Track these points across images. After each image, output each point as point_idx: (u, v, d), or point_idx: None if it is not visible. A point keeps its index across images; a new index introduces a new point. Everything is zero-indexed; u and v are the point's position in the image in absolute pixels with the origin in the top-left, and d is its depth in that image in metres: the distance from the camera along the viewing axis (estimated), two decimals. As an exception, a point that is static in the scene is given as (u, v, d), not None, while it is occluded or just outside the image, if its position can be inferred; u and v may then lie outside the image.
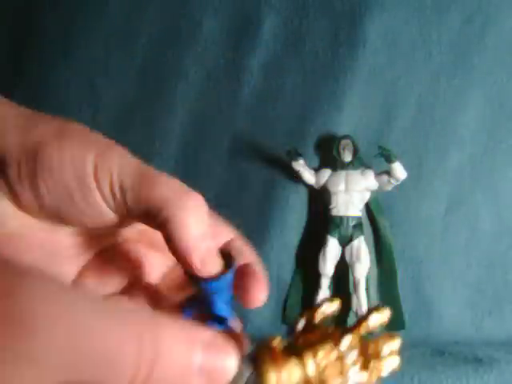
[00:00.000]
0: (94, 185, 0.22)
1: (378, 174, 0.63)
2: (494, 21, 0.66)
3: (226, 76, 0.68)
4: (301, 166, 0.64)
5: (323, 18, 0.67)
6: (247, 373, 0.20)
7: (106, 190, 0.22)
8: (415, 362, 0.55)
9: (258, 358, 0.20)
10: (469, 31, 0.66)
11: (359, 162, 0.65)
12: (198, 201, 0.23)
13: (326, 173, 0.65)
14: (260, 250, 0.73)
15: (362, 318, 0.22)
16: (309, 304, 0.64)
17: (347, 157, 0.64)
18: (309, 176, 0.65)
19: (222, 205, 0.68)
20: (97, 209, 0.23)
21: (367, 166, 0.65)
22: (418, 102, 0.67)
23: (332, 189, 0.64)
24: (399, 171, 0.61)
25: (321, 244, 0.64)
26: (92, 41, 0.68)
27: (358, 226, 0.64)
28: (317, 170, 0.66)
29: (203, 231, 0.23)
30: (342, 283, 0.65)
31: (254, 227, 0.67)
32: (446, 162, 0.66)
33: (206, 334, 0.19)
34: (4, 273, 0.15)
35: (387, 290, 0.65)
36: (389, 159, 0.61)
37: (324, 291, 0.64)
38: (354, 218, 0.64)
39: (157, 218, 0.22)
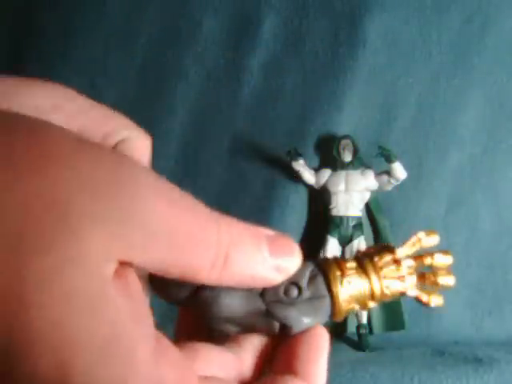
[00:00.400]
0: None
1: (377, 174, 0.63)
2: (493, 21, 0.66)
3: (226, 76, 0.68)
4: (301, 166, 0.64)
5: (323, 18, 0.67)
6: (308, 271, 0.20)
7: None
8: (415, 362, 0.55)
9: (322, 262, 0.21)
10: (469, 31, 0.66)
11: (359, 162, 0.65)
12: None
13: (326, 173, 0.65)
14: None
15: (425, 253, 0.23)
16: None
17: (347, 157, 0.64)
18: (309, 176, 0.65)
19: (222, 205, 0.68)
20: None
21: (367, 166, 0.65)
22: (418, 101, 0.67)
23: (332, 189, 0.64)
24: (399, 171, 0.61)
25: (321, 244, 0.64)
26: (92, 41, 0.68)
27: (358, 225, 0.64)
28: (317, 170, 0.66)
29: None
30: (342, 283, 0.65)
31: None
32: (446, 162, 0.66)
33: (269, 231, 0.20)
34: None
35: (387, 290, 0.65)
36: (389, 159, 0.61)
37: (324, 291, 0.63)
38: (353, 217, 0.64)
39: None
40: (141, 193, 0.16)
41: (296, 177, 0.65)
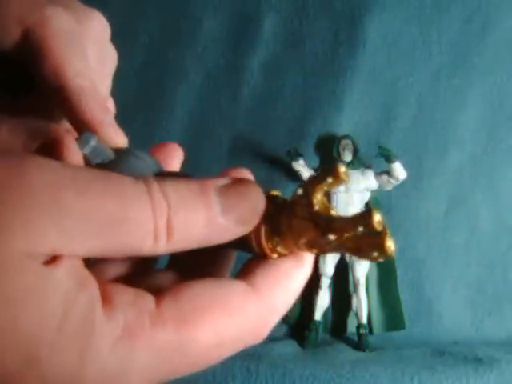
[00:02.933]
0: None
1: (378, 174, 0.63)
2: (494, 21, 0.66)
3: (226, 76, 0.68)
4: (301, 166, 0.64)
5: (323, 18, 0.67)
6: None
7: None
8: (415, 362, 0.55)
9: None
10: (469, 31, 0.66)
11: (359, 162, 0.65)
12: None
13: (326, 173, 0.65)
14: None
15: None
16: (309, 304, 0.64)
17: (347, 157, 0.64)
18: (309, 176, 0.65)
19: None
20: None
21: (367, 166, 0.65)
22: (418, 101, 0.67)
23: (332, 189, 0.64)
24: (399, 171, 0.61)
25: (321, 244, 0.64)
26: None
27: (358, 225, 0.64)
28: (317, 170, 0.66)
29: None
30: (342, 283, 0.65)
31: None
32: (446, 162, 0.66)
33: (222, 179, 0.18)
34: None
35: (387, 290, 0.65)
36: (389, 159, 0.61)
37: (324, 291, 0.64)
38: (353, 217, 0.64)
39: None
40: (41, 193, 0.15)
41: (296, 177, 0.65)
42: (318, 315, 0.63)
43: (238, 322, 0.18)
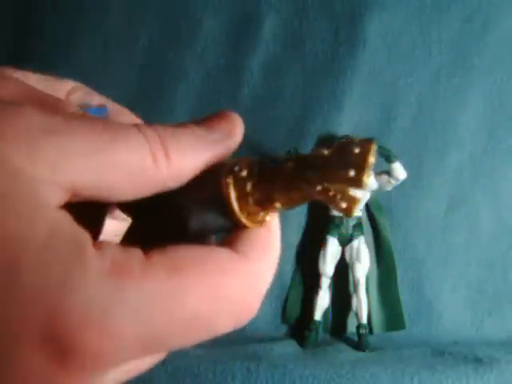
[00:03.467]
0: None
1: (377, 174, 0.63)
2: (494, 20, 0.66)
3: (226, 76, 0.68)
4: (301, 166, 0.64)
5: (323, 18, 0.67)
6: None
7: None
8: (415, 362, 0.55)
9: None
10: (469, 31, 0.66)
11: (359, 162, 0.65)
12: None
13: (326, 173, 0.65)
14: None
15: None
16: (309, 304, 0.64)
17: (347, 157, 0.64)
18: (309, 176, 0.65)
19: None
20: None
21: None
22: (418, 101, 0.67)
23: (332, 189, 0.64)
24: (399, 171, 0.61)
25: (321, 244, 0.64)
26: (92, 41, 0.68)
27: (358, 225, 0.64)
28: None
29: None
30: (342, 283, 0.65)
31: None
32: (446, 162, 0.66)
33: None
34: None
35: (387, 290, 0.65)
36: (389, 159, 0.61)
37: (324, 291, 0.64)
38: (354, 217, 0.64)
39: None
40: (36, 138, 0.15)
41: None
42: (318, 315, 0.63)
43: (232, 282, 0.17)
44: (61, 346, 0.14)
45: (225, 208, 0.18)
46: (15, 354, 0.13)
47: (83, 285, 0.14)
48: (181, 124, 0.19)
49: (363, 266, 0.63)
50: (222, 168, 0.19)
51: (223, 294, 0.17)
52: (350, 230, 0.64)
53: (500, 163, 0.66)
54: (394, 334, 0.64)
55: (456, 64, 0.66)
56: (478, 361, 0.54)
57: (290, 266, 0.67)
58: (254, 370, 0.51)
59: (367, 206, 0.66)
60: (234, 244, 0.19)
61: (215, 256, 0.17)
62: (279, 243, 0.20)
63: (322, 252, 0.64)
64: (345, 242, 0.64)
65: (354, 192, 0.19)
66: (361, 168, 0.18)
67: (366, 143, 0.19)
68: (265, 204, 0.19)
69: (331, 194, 0.19)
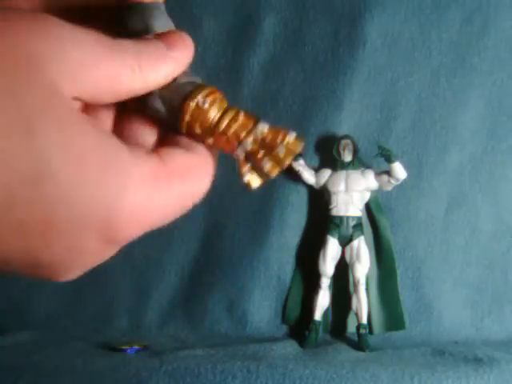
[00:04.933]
0: None
1: (378, 174, 0.63)
2: (493, 21, 0.66)
3: (226, 76, 0.68)
4: (301, 166, 0.64)
5: (323, 18, 0.67)
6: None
7: None
8: (415, 362, 0.55)
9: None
10: (469, 31, 0.66)
11: (359, 162, 0.65)
12: None
13: (326, 173, 0.65)
14: (260, 250, 0.74)
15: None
16: (309, 304, 0.64)
17: (347, 157, 0.64)
18: (309, 176, 0.65)
19: (222, 205, 0.68)
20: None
21: (367, 166, 0.65)
22: (418, 101, 0.67)
23: (332, 189, 0.64)
24: (399, 171, 0.61)
25: (321, 244, 0.64)
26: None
27: (358, 226, 0.64)
28: (317, 170, 0.66)
29: None
30: (342, 283, 0.65)
31: (254, 227, 0.67)
32: (446, 162, 0.66)
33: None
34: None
35: (387, 290, 0.65)
36: (389, 159, 0.61)
37: (324, 291, 0.64)
38: (354, 217, 0.64)
39: None
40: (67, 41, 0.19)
41: (296, 177, 0.65)
42: (318, 315, 0.63)
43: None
44: (112, 236, 0.19)
45: (178, 117, 0.23)
46: (79, 242, 0.19)
47: (129, 193, 0.19)
48: (148, 40, 0.23)
49: (363, 266, 0.63)
50: (194, 91, 0.23)
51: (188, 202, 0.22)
52: (350, 230, 0.64)
53: (500, 163, 0.66)
54: (394, 333, 0.64)
55: (456, 64, 0.66)
56: (477, 361, 0.54)
57: (290, 266, 0.67)
58: (254, 369, 0.51)
59: (367, 206, 0.66)
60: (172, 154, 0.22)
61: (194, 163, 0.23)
62: (205, 171, 0.23)
63: (321, 252, 0.64)
64: (345, 242, 0.64)
65: (267, 165, 0.22)
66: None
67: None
68: (204, 136, 0.23)
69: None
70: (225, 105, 0.23)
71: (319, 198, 0.66)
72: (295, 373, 0.51)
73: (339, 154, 0.64)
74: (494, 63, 0.66)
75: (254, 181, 0.22)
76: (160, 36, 0.24)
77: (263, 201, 0.67)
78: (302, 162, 0.64)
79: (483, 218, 0.66)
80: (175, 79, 0.23)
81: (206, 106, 0.23)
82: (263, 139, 0.23)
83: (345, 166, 0.64)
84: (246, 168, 0.22)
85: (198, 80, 0.24)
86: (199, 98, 0.23)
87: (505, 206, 0.66)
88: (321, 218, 0.66)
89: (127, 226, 0.19)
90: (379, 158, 0.61)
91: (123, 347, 0.59)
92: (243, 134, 0.23)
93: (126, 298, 0.69)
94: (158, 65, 0.22)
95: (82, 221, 0.18)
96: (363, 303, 0.62)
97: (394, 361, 0.55)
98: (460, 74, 0.66)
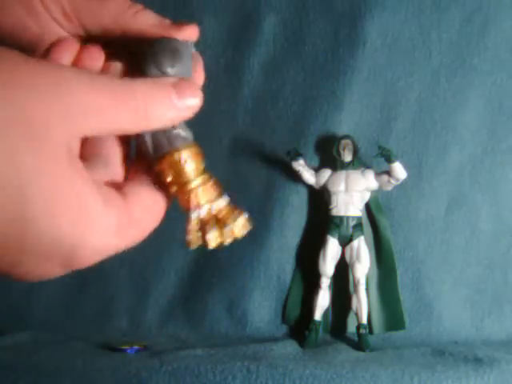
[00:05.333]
0: (42, 9, 0.26)
1: (378, 174, 0.63)
2: (493, 21, 0.66)
3: (226, 76, 0.68)
4: (301, 166, 0.64)
5: (323, 18, 0.67)
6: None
7: (58, 14, 0.26)
8: (415, 362, 0.55)
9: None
10: (469, 31, 0.66)
11: (359, 162, 0.65)
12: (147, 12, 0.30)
13: (326, 173, 0.65)
14: (260, 250, 0.74)
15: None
16: (309, 304, 0.64)
17: (347, 157, 0.64)
18: (309, 176, 0.65)
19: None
20: (52, 31, 0.26)
21: (367, 166, 0.65)
22: (418, 101, 0.67)
23: (332, 189, 0.64)
24: (399, 171, 0.61)
25: (321, 244, 0.64)
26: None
27: (358, 225, 0.64)
28: (317, 170, 0.66)
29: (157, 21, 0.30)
30: (342, 283, 0.65)
31: (254, 227, 0.67)
32: (446, 162, 0.66)
33: (172, 79, 0.25)
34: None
35: (387, 290, 0.65)
36: (389, 159, 0.61)
37: (324, 291, 0.64)
38: (354, 217, 0.64)
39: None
40: (70, 85, 0.21)
41: (296, 177, 0.65)
42: (318, 315, 0.63)
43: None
44: (72, 265, 0.22)
45: (158, 159, 0.25)
46: (43, 265, 0.22)
47: (94, 238, 0.22)
48: (161, 84, 0.24)
49: (363, 266, 0.63)
50: (181, 149, 0.25)
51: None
52: (350, 230, 0.64)
53: (500, 163, 0.66)
54: (394, 333, 0.64)
55: (456, 64, 0.66)
56: (477, 361, 0.54)
57: (290, 266, 0.67)
58: (254, 369, 0.51)
59: (367, 206, 0.66)
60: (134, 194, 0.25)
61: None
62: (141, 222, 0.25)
63: (321, 252, 0.64)
64: (345, 242, 0.64)
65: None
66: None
67: None
68: (171, 185, 0.25)
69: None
70: (201, 167, 0.26)
71: (319, 198, 0.66)
72: (295, 373, 0.51)
73: (339, 154, 0.64)
74: (494, 63, 0.66)
75: (194, 242, 0.25)
76: (174, 82, 0.24)
77: (263, 201, 0.67)
78: (302, 161, 0.64)
79: (483, 218, 0.66)
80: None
81: (186, 165, 0.25)
82: (217, 213, 0.26)
83: (345, 166, 0.64)
84: (193, 228, 0.25)
85: (190, 136, 0.26)
86: (183, 156, 0.25)
87: (505, 206, 0.66)
88: (321, 218, 0.66)
89: (86, 260, 0.23)
90: (379, 158, 0.61)
91: (123, 347, 0.59)
92: (202, 201, 0.25)
93: (126, 298, 0.69)
94: (164, 113, 0.24)
95: (50, 254, 0.21)
96: (363, 303, 0.62)
97: (394, 361, 0.55)
98: (460, 74, 0.66)
